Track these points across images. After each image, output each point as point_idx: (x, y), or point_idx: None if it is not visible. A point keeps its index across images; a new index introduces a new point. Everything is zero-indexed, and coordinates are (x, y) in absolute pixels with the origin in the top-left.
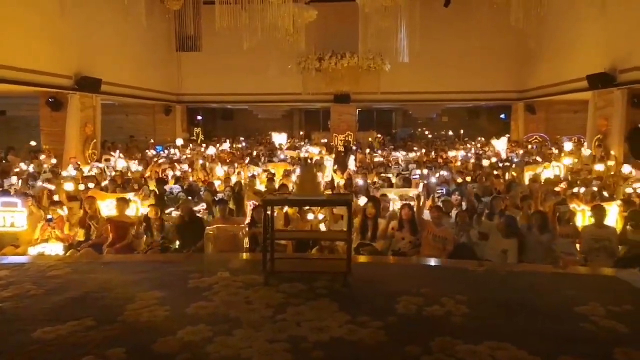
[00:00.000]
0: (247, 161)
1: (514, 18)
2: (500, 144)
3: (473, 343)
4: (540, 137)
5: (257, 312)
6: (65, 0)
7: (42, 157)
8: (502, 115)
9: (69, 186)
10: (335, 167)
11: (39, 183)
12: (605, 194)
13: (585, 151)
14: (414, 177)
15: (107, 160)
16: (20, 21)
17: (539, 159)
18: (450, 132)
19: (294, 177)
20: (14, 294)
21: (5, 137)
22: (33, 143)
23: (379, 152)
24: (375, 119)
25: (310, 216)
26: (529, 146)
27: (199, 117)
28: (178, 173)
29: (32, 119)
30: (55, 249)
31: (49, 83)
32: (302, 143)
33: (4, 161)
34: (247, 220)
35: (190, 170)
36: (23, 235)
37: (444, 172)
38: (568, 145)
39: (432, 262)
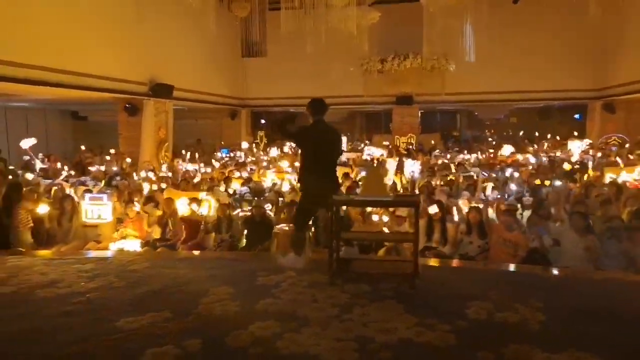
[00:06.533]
0: None
1: (593, 10)
2: (578, 146)
3: (551, 352)
4: (619, 139)
5: (324, 311)
6: (140, 10)
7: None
8: (577, 116)
9: (145, 188)
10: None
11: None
12: None
13: None
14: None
15: (179, 162)
16: (98, 31)
17: (619, 160)
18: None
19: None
20: (100, 286)
21: (86, 141)
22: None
23: (441, 153)
24: (439, 120)
25: (374, 218)
26: (610, 149)
27: (263, 121)
28: (245, 175)
29: (108, 124)
30: (133, 245)
31: (127, 90)
32: (363, 145)
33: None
34: None
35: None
36: (105, 231)
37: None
38: None
39: (503, 267)
